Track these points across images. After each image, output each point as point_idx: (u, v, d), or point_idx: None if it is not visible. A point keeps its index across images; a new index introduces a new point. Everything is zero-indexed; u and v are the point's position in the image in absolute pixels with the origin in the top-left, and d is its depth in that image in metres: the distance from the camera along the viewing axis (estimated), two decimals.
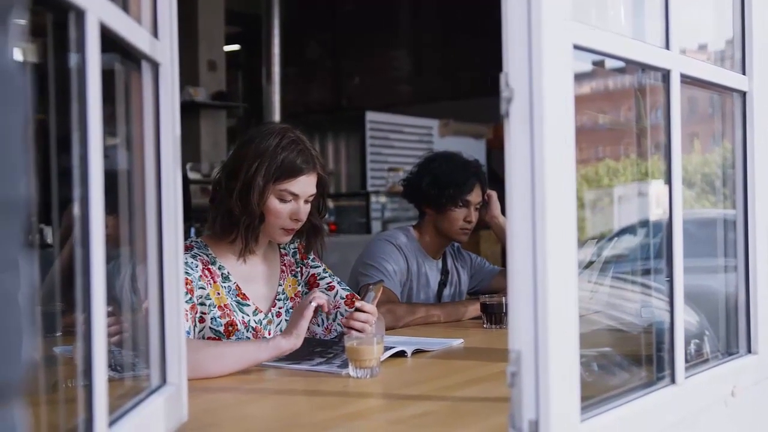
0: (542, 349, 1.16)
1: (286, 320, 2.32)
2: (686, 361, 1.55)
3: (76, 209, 1.00)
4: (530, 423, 1.17)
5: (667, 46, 1.52)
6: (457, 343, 2.35)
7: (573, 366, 1.21)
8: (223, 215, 2.21)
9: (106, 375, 1.03)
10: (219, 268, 2.23)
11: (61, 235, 1.57)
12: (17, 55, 0.62)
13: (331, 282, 2.40)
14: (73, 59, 1.01)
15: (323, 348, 2.13)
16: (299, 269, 2.41)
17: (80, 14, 0.98)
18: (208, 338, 2.15)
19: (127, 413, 1.18)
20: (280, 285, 2.35)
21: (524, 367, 1.17)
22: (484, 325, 2.66)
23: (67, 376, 1.40)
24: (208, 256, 2.23)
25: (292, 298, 2.37)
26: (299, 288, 2.39)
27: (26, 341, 0.61)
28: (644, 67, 1.56)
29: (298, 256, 2.42)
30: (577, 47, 1.25)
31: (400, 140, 8.18)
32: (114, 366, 1.33)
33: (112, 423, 1.09)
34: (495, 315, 2.65)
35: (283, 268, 2.38)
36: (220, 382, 1.87)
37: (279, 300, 2.34)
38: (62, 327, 1.86)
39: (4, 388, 0.58)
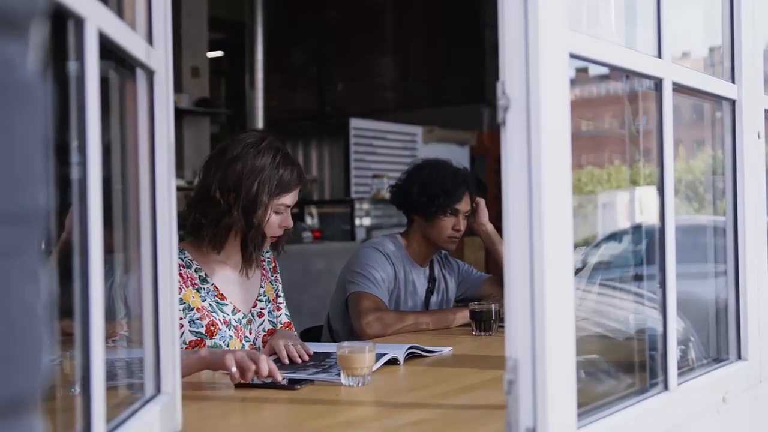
0: (539, 356, 1.16)
1: (269, 320, 2.40)
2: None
3: (75, 218, 0.99)
4: (527, 430, 1.17)
5: (660, 55, 1.53)
6: (447, 350, 2.35)
7: (570, 373, 1.22)
8: (222, 230, 2.26)
9: (104, 384, 1.02)
10: (196, 271, 2.28)
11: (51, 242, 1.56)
12: (37, 64, 0.62)
13: (281, 303, 2.51)
14: (71, 66, 1.00)
15: (316, 361, 2.12)
16: (273, 278, 2.51)
17: (79, 22, 0.98)
18: (190, 342, 2.17)
19: (124, 423, 1.17)
20: (262, 287, 2.43)
21: (521, 374, 1.17)
22: (473, 333, 2.66)
23: (57, 384, 1.39)
24: (183, 259, 2.26)
25: (273, 300, 2.46)
26: (274, 294, 2.48)
27: (45, 351, 0.61)
28: (638, 76, 1.57)
29: (271, 267, 2.51)
30: (573, 56, 1.26)
31: (384, 147, 8.17)
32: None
33: None
34: (484, 322, 2.65)
35: (263, 272, 2.46)
36: (213, 392, 1.87)
37: (261, 301, 2.41)
38: (53, 335, 1.84)
39: (25, 398, 0.58)
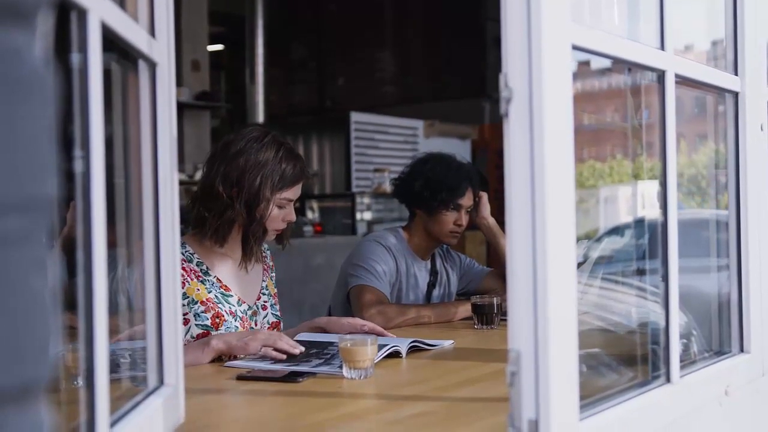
0: (542, 348, 1.16)
1: (272, 314, 2.44)
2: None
3: (78, 211, 0.99)
4: (530, 422, 1.17)
5: (662, 47, 1.52)
6: (448, 344, 2.35)
7: (572, 365, 1.22)
8: (225, 223, 2.28)
9: (107, 377, 1.02)
10: (197, 265, 2.30)
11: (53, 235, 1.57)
12: (44, 55, 0.62)
13: (275, 303, 2.52)
14: (74, 58, 1.00)
15: (318, 349, 2.13)
16: (273, 275, 2.54)
17: (82, 14, 0.98)
18: (197, 335, 2.18)
19: (127, 414, 1.17)
20: (264, 281, 2.46)
21: (524, 366, 1.17)
22: (475, 326, 2.67)
23: (62, 377, 1.39)
24: (184, 254, 2.27)
25: (274, 295, 2.49)
26: (274, 290, 2.52)
27: (53, 340, 0.61)
28: (640, 68, 1.57)
29: (270, 264, 2.55)
30: (575, 48, 1.25)
31: (385, 141, 8.17)
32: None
33: (112, 424, 1.08)
34: (486, 315, 2.65)
35: (265, 267, 2.50)
36: (216, 384, 1.87)
37: (264, 294, 2.44)
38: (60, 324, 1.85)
39: (33, 386, 0.58)
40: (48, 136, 0.61)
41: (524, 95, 1.18)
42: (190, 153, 7.74)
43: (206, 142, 8.01)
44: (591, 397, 1.34)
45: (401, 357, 2.11)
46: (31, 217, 0.58)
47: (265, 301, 2.43)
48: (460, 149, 7.71)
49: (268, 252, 2.54)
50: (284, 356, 2.03)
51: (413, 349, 2.20)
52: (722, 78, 1.79)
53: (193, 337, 2.20)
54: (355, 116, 8.04)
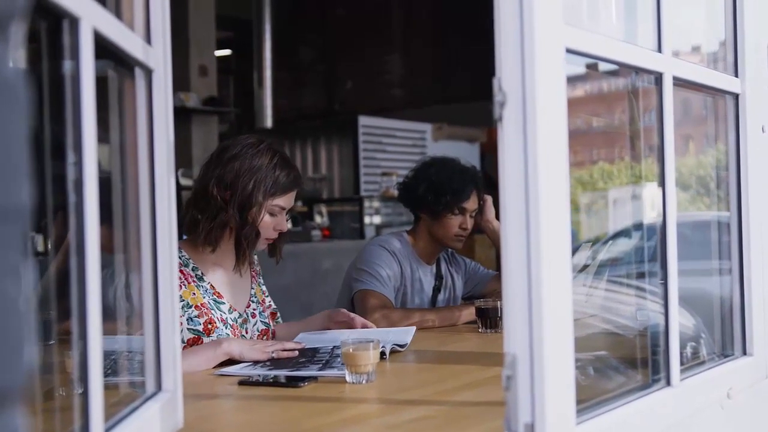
0: (537, 352, 1.16)
1: (261, 321, 2.45)
2: (682, 363, 1.55)
3: (71, 217, 1.00)
4: (526, 426, 1.17)
5: (660, 49, 1.52)
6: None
7: (568, 369, 1.21)
8: (217, 227, 2.29)
9: (102, 382, 1.03)
10: (193, 270, 2.32)
11: (55, 243, 1.57)
12: (18, 62, 0.62)
13: (271, 303, 2.56)
14: (66, 66, 1.00)
15: (307, 358, 2.13)
16: (260, 279, 2.55)
17: (74, 22, 0.98)
18: (188, 340, 2.19)
19: (123, 420, 1.18)
20: (252, 288, 2.48)
21: (520, 370, 1.17)
22: (479, 329, 2.66)
23: (60, 384, 1.40)
24: (180, 258, 2.28)
25: (261, 302, 2.50)
26: (263, 296, 2.53)
27: (28, 347, 0.61)
28: (637, 70, 1.56)
29: (258, 269, 2.56)
30: (569, 51, 1.25)
31: (393, 145, 8.16)
32: (107, 372, 1.33)
33: (107, 430, 1.08)
34: (490, 319, 2.64)
35: (253, 274, 2.51)
36: (216, 390, 1.87)
37: (253, 302, 2.46)
38: (57, 335, 1.85)
39: (6, 393, 0.58)
40: (22, 144, 0.61)
41: (518, 99, 1.18)
42: (198, 158, 7.74)
43: (214, 147, 7.94)
44: (591, 400, 1.34)
45: (385, 359, 2.13)
46: (5, 224, 0.58)
47: (254, 309, 2.45)
48: (468, 152, 7.71)
49: (255, 256, 2.55)
50: (296, 353, 2.14)
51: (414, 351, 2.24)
52: (722, 80, 1.78)
53: (184, 341, 2.21)
54: (363, 120, 8.04)
